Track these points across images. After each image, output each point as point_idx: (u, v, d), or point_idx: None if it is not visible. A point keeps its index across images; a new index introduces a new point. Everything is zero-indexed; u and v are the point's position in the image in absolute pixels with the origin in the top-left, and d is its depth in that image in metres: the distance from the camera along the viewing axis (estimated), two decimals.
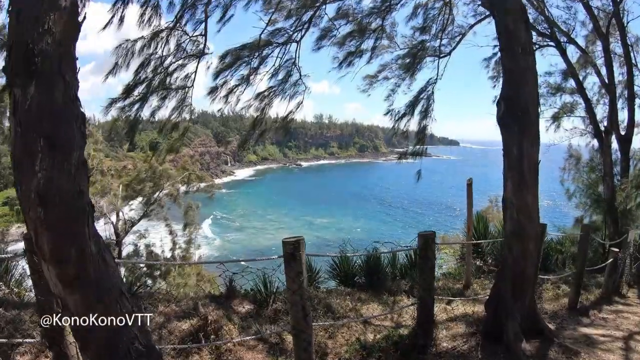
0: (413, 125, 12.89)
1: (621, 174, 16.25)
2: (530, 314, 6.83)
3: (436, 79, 12.22)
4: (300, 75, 11.12)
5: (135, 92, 9.82)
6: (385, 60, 13.11)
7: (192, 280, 19.50)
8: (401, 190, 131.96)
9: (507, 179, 6.52)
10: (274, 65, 10.70)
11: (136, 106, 9.94)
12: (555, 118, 18.13)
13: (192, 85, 10.13)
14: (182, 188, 24.12)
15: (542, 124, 17.45)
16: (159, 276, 22.66)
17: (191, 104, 10.38)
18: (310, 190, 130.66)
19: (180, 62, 9.90)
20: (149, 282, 22.54)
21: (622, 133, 15.81)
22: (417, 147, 12.73)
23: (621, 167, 16.28)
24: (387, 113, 13.08)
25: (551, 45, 15.96)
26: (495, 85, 16.67)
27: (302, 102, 11.46)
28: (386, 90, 13.25)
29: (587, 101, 15.92)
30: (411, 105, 12.23)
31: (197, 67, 9.93)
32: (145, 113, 10.21)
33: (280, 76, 11.04)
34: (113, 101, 9.79)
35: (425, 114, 12.22)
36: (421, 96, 12.17)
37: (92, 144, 20.46)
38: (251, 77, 10.58)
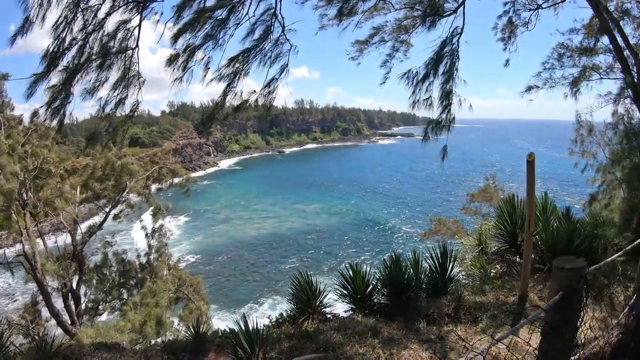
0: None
1: None
2: None
3: (462, 28, 9.58)
4: (284, 29, 8.35)
5: (64, 62, 7.09)
6: (378, 22, 10.82)
7: (164, 300, 16.77)
8: (385, 173, 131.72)
9: None
10: (247, 14, 7.87)
11: (69, 84, 7.18)
12: (575, 82, 15.82)
13: (137, 45, 7.35)
14: (155, 185, 21.32)
15: (561, 90, 15.85)
16: (134, 285, 20.15)
17: (139, 73, 7.61)
18: (294, 176, 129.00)
19: (119, 15, 7.11)
20: (124, 293, 20.16)
21: None
22: (442, 117, 9.84)
23: None
24: (388, 79, 10.85)
25: None
26: (506, 48, 14.32)
27: (287, 66, 8.73)
28: (381, 55, 10.99)
29: (624, 61, 13.39)
30: (433, 63, 9.51)
31: (141, 21, 7.15)
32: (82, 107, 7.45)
33: (257, 34, 8.22)
34: (38, 78, 7.03)
35: (449, 74, 9.54)
36: (444, 51, 9.48)
37: (36, 140, 17.57)
38: (219, 36, 7.76)
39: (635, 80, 12.97)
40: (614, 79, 15.14)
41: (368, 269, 8.32)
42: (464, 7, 9.77)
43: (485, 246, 12.22)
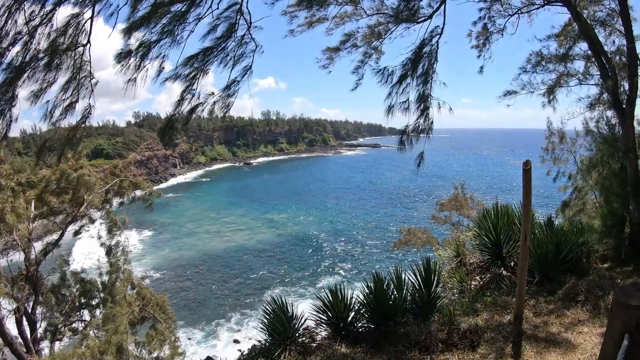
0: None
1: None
2: None
3: (442, 28, 9.07)
4: (250, 26, 7.62)
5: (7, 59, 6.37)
6: (350, 28, 10.56)
7: (123, 326, 15.72)
8: (351, 183, 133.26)
9: None
10: (209, 8, 7.11)
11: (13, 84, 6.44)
12: (550, 89, 15.72)
13: (89, 41, 6.55)
14: (117, 199, 20.19)
15: (539, 99, 15.79)
16: (96, 306, 19.05)
17: (91, 73, 6.80)
18: (261, 188, 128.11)
19: (70, 7, 6.37)
20: (86, 314, 19.05)
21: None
22: (419, 122, 9.25)
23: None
24: (357, 87, 10.80)
25: (557, 4, 13.33)
26: (480, 55, 14.25)
27: (251, 68, 7.96)
28: (353, 62, 10.68)
29: (603, 67, 13.20)
30: (412, 63, 8.93)
31: (93, 14, 6.36)
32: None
33: (219, 31, 7.48)
34: None
35: (426, 76, 8.97)
36: (423, 51, 8.92)
37: None
38: (177, 32, 7.00)
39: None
40: (594, 84, 15.04)
41: (349, 292, 7.65)
42: (444, 6, 9.26)
43: (463, 257, 11.72)
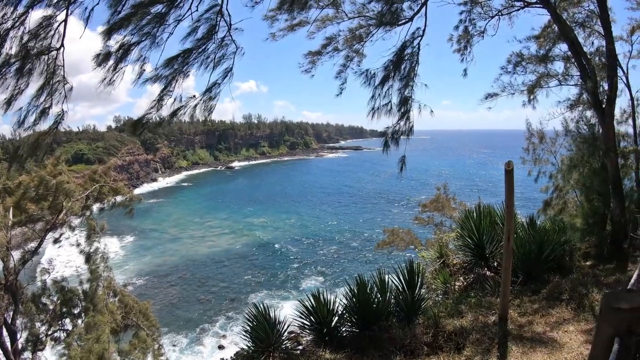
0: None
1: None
2: None
3: (424, 30, 9.01)
4: (230, 28, 7.51)
5: None
6: (331, 32, 10.61)
7: (105, 335, 15.48)
8: (332, 187, 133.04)
9: None
10: (189, 9, 6.99)
11: None
12: (530, 90, 15.81)
13: (62, 45, 6.38)
14: (97, 205, 19.82)
15: (519, 100, 15.96)
16: (77, 315, 18.71)
17: (65, 78, 6.62)
18: (242, 192, 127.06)
19: (43, 9, 6.18)
20: (68, 323, 18.69)
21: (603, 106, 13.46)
22: (400, 124, 9.19)
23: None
24: (342, 93, 10.91)
25: (537, 5, 13.39)
26: (462, 59, 14.37)
27: (231, 70, 7.85)
28: (335, 66, 10.71)
29: (583, 68, 13.27)
30: (394, 65, 8.86)
31: (67, 16, 6.20)
32: None
33: (200, 33, 7.36)
34: None
35: (407, 79, 8.90)
36: (405, 53, 8.85)
37: None
38: (157, 33, 6.85)
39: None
40: (574, 85, 15.14)
41: (332, 296, 7.56)
42: (426, 8, 9.23)
43: (447, 258, 11.69)
